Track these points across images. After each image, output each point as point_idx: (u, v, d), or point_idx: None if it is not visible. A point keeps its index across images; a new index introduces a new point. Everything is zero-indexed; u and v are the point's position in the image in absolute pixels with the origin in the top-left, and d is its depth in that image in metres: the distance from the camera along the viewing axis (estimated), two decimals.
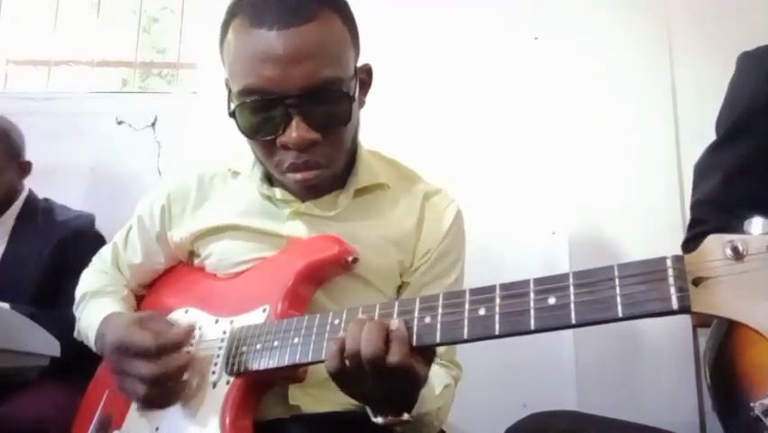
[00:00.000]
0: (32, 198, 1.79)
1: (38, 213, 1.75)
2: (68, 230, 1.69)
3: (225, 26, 0.93)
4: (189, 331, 0.94)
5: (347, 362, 0.74)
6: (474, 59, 1.98)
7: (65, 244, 1.63)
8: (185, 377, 0.91)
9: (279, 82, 0.85)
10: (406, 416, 0.78)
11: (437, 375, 0.96)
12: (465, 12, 2.00)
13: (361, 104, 1.01)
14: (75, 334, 1.15)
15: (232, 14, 0.91)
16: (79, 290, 1.17)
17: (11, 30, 2.33)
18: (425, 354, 0.76)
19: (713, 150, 1.21)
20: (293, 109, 0.87)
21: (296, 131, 0.87)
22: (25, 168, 1.78)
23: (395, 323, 0.73)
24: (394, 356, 0.71)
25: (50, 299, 1.56)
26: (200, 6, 2.17)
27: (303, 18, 0.86)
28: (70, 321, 1.17)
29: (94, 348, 1.07)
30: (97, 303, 1.11)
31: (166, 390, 0.90)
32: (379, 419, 0.79)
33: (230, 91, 0.94)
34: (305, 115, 0.88)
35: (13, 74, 2.33)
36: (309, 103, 0.87)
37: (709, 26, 1.86)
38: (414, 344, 0.72)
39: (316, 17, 0.87)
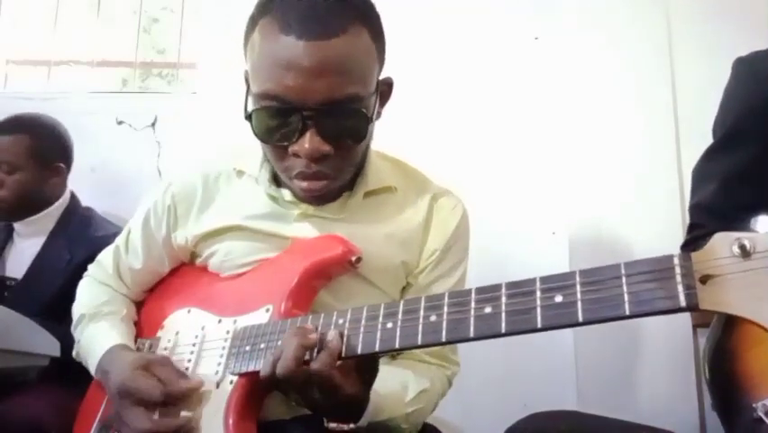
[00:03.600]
0: (73, 205, 1.82)
1: (75, 221, 1.78)
2: (102, 247, 1.68)
3: (253, 22, 0.91)
4: (199, 385, 0.91)
5: (277, 369, 0.78)
6: (474, 59, 1.97)
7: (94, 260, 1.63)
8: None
9: (300, 93, 0.85)
10: (351, 425, 0.82)
11: (414, 381, 0.97)
12: (465, 12, 2.00)
13: (378, 115, 0.99)
14: (74, 355, 1.14)
15: (261, 12, 0.90)
16: (77, 309, 1.15)
17: (11, 30, 2.32)
18: (363, 373, 0.81)
19: (709, 155, 1.21)
20: (309, 121, 0.87)
21: (309, 142, 0.87)
22: (54, 171, 1.78)
23: (331, 334, 0.78)
24: (315, 363, 0.76)
25: (68, 308, 1.56)
26: (200, 6, 2.17)
27: (332, 31, 0.84)
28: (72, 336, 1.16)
29: (93, 375, 1.06)
30: (97, 328, 1.09)
31: None
32: (331, 425, 0.83)
33: (248, 87, 0.93)
34: (320, 128, 0.87)
35: (13, 74, 2.33)
36: (326, 117, 0.87)
37: (709, 26, 1.86)
38: (419, 343, 0.72)
39: (346, 31, 0.85)
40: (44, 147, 1.77)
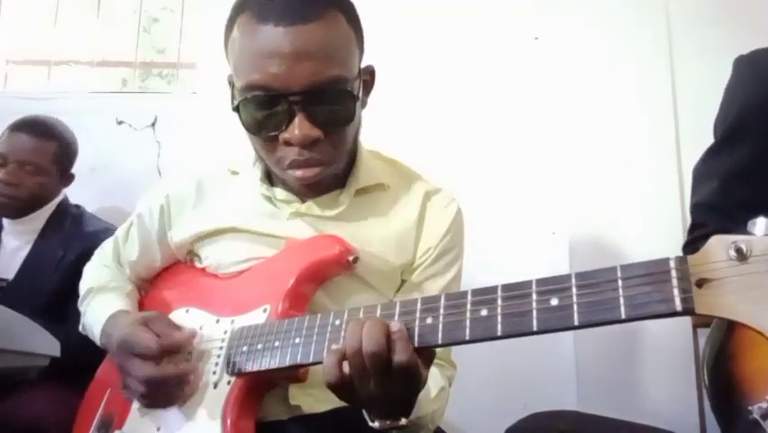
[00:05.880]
0: (64, 204, 1.84)
1: (67, 219, 1.80)
2: (94, 242, 1.66)
3: (231, 22, 0.92)
4: (191, 336, 0.96)
5: (348, 363, 0.73)
6: (474, 59, 1.97)
7: (88, 256, 1.64)
8: (189, 379, 0.92)
9: (284, 79, 0.85)
10: (403, 421, 0.78)
11: (433, 377, 0.96)
12: (465, 12, 2.00)
13: (363, 104, 1.01)
14: (80, 328, 1.16)
15: (238, 11, 0.91)
16: (84, 285, 1.18)
17: (11, 30, 2.33)
18: (426, 354, 0.75)
19: (711, 154, 1.21)
20: (296, 106, 0.87)
21: (299, 128, 0.87)
22: (67, 179, 1.86)
23: (395, 324, 0.72)
24: (400, 355, 0.70)
25: (64, 306, 1.56)
26: (200, 6, 2.17)
27: (310, 16, 0.86)
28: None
29: (98, 343, 1.08)
30: (103, 299, 1.11)
31: (165, 392, 0.91)
32: (376, 424, 0.78)
33: (233, 87, 0.94)
34: (308, 113, 0.88)
35: (13, 74, 2.33)
36: (313, 101, 0.87)
37: (709, 26, 1.86)
38: (415, 344, 0.72)
39: (323, 16, 0.87)
40: (67, 157, 1.83)
